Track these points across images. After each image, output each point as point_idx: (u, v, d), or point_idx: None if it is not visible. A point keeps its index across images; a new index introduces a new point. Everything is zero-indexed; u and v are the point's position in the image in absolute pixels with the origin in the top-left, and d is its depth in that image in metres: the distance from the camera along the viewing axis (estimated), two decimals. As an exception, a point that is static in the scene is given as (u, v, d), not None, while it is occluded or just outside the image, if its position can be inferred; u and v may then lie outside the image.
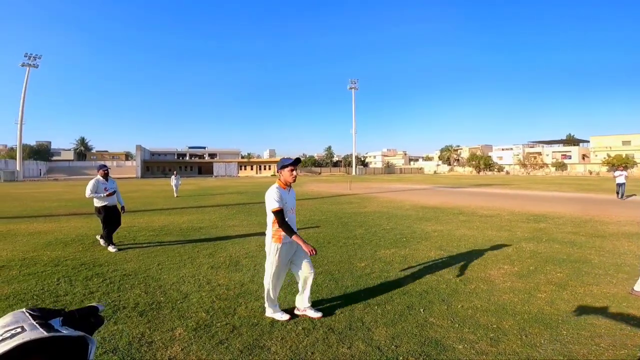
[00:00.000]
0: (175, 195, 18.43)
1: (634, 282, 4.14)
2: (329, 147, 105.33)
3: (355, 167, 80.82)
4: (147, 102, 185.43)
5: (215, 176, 70.39)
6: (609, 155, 66.18)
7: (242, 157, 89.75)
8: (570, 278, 4.41)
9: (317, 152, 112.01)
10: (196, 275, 4.80)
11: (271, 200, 3.14)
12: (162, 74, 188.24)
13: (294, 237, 3.11)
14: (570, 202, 14.02)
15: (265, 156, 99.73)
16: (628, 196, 15.73)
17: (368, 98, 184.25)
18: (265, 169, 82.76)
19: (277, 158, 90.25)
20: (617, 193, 15.40)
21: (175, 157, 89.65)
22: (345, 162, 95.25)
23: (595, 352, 2.62)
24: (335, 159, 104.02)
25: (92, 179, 6.49)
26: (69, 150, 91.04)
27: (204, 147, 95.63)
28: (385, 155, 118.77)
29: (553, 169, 74.52)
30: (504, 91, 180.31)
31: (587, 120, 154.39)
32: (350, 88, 79.84)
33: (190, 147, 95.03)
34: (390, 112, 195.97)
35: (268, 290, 3.33)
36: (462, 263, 5.19)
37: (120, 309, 3.66)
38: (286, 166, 3.24)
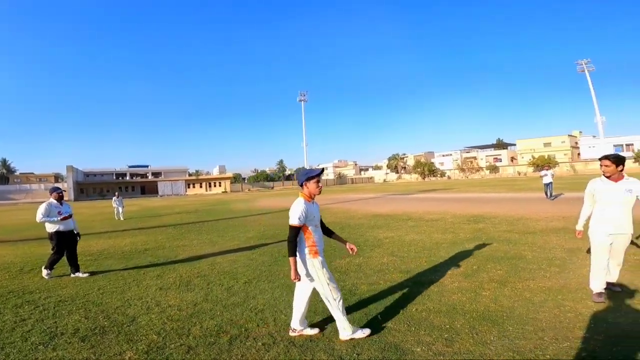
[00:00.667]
0: (120, 219, 17.11)
1: (565, 275, 4.59)
2: (281, 161, 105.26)
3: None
4: (78, 120, 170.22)
5: (161, 195, 66.62)
6: (533, 157, 73.83)
7: (190, 175, 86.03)
8: (509, 275, 4.76)
9: (269, 167, 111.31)
10: (143, 297, 4.52)
11: (294, 216, 2.99)
12: (94, 91, 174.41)
13: (291, 258, 3.00)
14: (503, 202, 15.30)
15: (215, 173, 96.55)
16: (556, 195, 16.54)
17: (318, 109, 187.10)
18: (215, 185, 79.99)
19: (228, 174, 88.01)
20: (546, 193, 15.77)
21: (114, 177, 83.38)
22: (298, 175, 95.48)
23: (541, 346, 2.79)
24: (287, 172, 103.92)
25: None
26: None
27: (147, 166, 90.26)
28: (336, 167, 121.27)
29: (487, 171, 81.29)
30: (443, 97, 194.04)
31: (514, 123, 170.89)
32: (300, 100, 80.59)
33: (130, 166, 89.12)
34: (340, 123, 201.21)
35: (340, 309, 3.05)
36: (413, 267, 5.41)
37: (57, 335, 3.39)
38: (312, 178, 3.11)
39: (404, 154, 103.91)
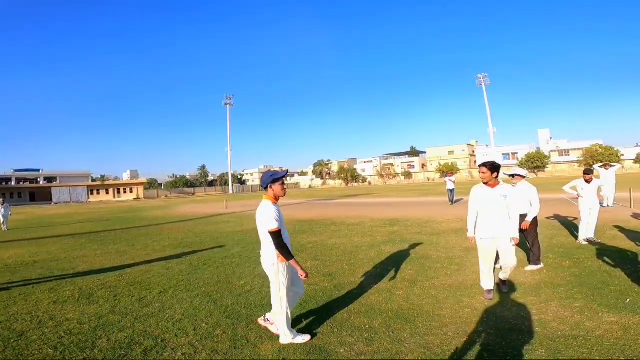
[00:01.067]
0: (3, 229, 14.67)
1: (462, 273, 5.14)
2: (203, 166, 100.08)
3: (232, 185, 78.67)
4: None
5: (56, 203, 57.94)
6: (440, 164, 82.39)
7: (94, 180, 76.34)
8: (418, 274, 5.20)
9: (190, 172, 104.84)
10: (33, 312, 3.99)
11: (271, 220, 2.93)
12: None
13: (292, 261, 2.97)
14: (414, 206, 16.83)
15: (126, 178, 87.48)
16: (457, 200, 18.07)
17: (244, 114, 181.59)
18: (125, 192, 72.27)
19: (141, 180, 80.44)
20: (449, 199, 16.82)
21: (-5, 181, 69.84)
22: (222, 181, 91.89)
23: (446, 341, 3.08)
24: (210, 178, 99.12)
25: None
26: None
27: (38, 170, 77.50)
28: (262, 172, 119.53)
29: (403, 177, 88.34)
30: (364, 104, 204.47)
31: (426, 131, 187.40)
32: (225, 104, 77.89)
33: (17, 170, 75.58)
34: (266, 128, 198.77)
35: (287, 314, 3.07)
36: (334, 270, 5.62)
37: None
38: (277, 180, 3.08)
39: (329, 160, 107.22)
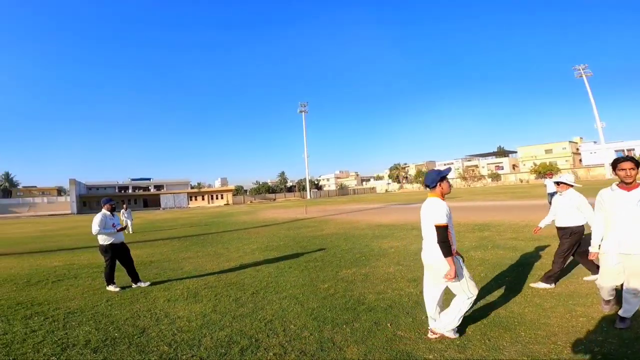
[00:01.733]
0: (129, 232, 16.21)
1: (574, 281, 4.58)
2: (282, 173, 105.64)
3: (310, 190, 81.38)
4: (81, 133, 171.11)
5: (164, 208, 66.66)
6: (535, 164, 73.70)
7: (192, 187, 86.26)
8: (517, 281, 4.76)
9: (271, 179, 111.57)
10: (152, 309, 4.52)
11: (442, 215, 2.94)
12: (95, 104, 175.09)
13: (448, 259, 2.91)
14: (507, 210, 15.28)
15: (217, 185, 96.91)
16: None
17: (319, 120, 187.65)
18: (217, 198, 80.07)
19: (230, 187, 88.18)
20: (550, 202, 15.50)
21: (117, 190, 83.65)
22: (299, 187, 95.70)
23: (554, 350, 2.79)
24: (289, 184, 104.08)
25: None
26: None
27: (149, 179, 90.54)
28: (338, 177, 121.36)
29: (489, 179, 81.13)
30: (443, 106, 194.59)
31: (515, 131, 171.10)
32: (301, 111, 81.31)
33: (133, 179, 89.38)
34: (341, 134, 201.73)
35: (467, 307, 3.09)
36: (420, 275, 5.38)
37: (69, 346, 3.40)
38: (445, 177, 3.16)
39: (405, 164, 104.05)
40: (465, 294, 3.06)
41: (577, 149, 77.32)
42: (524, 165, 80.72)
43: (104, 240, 5.69)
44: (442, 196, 3.15)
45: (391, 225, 12.54)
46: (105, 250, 5.70)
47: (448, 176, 3.22)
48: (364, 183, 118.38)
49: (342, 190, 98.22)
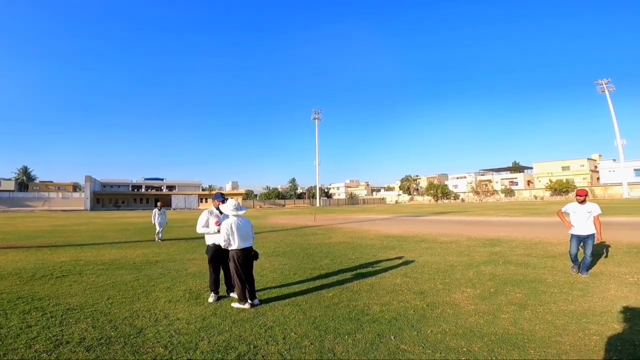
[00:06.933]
0: (157, 239, 12.27)
1: (588, 299, 4.39)
2: (293, 179, 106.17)
3: (319, 198, 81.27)
4: (97, 130, 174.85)
5: (174, 209, 67.35)
6: (550, 181, 72.08)
7: (203, 190, 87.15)
8: (529, 298, 4.58)
9: (281, 184, 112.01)
10: (152, 309, 4.47)
11: None
12: (112, 102, 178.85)
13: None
14: (520, 226, 14.88)
15: (228, 188, 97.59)
16: None
17: (331, 128, 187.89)
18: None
19: (241, 190, 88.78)
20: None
21: (130, 189, 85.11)
22: (309, 194, 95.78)
23: None
24: (299, 190, 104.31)
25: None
26: (10, 180, 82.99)
27: (162, 179, 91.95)
28: (348, 187, 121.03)
29: (502, 195, 79.63)
30: (457, 119, 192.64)
31: (531, 146, 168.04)
32: (314, 119, 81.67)
33: (146, 179, 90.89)
34: (353, 142, 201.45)
35: None
36: (427, 288, 5.24)
37: (62, 343, 3.36)
38: None
39: (417, 176, 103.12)
40: None
41: (596, 167, 75.46)
42: (539, 181, 79.06)
43: (206, 239, 5.15)
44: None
45: (400, 237, 12.32)
46: (207, 250, 5.14)
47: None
48: (374, 193, 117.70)
49: (352, 199, 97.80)
